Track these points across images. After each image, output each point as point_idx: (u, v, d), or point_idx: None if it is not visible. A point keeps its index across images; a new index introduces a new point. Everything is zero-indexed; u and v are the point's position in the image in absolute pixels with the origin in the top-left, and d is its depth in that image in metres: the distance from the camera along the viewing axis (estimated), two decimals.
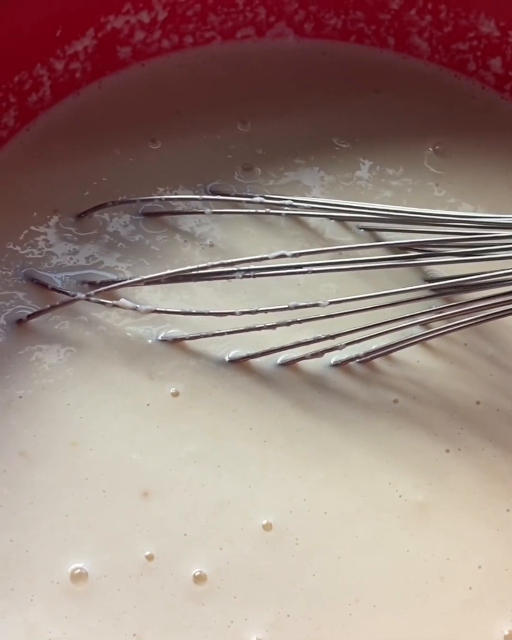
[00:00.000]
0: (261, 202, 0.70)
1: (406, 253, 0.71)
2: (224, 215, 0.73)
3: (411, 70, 0.82)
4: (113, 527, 0.65)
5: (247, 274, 0.67)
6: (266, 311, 0.67)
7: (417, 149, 0.79)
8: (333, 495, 0.67)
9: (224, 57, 0.80)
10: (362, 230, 0.75)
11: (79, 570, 0.64)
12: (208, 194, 0.75)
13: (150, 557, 0.64)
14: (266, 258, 0.66)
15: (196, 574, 0.64)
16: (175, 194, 0.75)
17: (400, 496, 0.67)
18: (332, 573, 0.65)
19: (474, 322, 0.67)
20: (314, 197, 0.76)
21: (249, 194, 0.74)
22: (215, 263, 0.66)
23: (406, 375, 0.71)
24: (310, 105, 0.79)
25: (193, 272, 0.67)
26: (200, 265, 0.66)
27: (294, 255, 0.66)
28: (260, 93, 0.79)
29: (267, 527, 0.66)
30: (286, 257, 0.66)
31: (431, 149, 0.79)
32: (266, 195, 0.72)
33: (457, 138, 0.79)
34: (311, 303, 0.67)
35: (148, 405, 0.68)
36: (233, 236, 0.74)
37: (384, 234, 0.74)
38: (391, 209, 0.70)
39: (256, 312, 0.67)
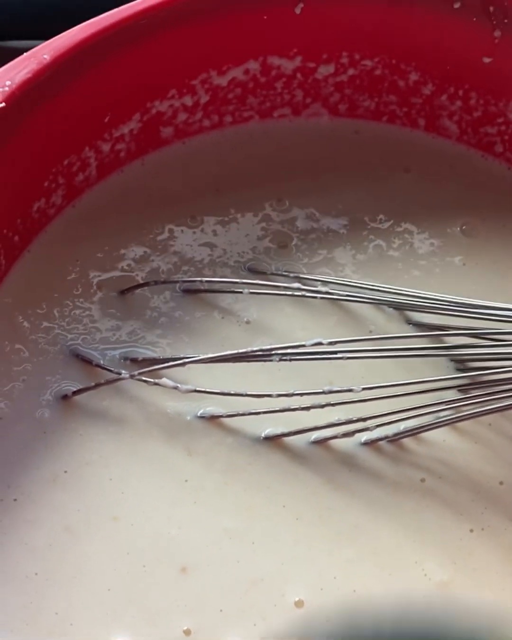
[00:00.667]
0: (298, 288, 0.74)
1: (439, 338, 0.74)
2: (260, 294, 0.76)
3: (440, 150, 0.85)
4: (153, 602, 0.67)
5: (284, 358, 0.70)
6: (301, 395, 0.70)
7: (445, 228, 0.82)
8: (362, 573, 0.70)
9: (260, 136, 0.83)
10: (391, 308, 0.78)
11: None
12: (245, 271, 0.78)
13: (187, 632, 0.67)
14: (303, 345, 0.69)
15: None
16: (214, 272, 0.78)
17: (425, 575, 0.70)
18: None
19: (503, 408, 0.70)
20: (346, 274, 0.79)
21: (284, 272, 0.77)
22: (255, 349, 0.69)
23: (432, 455, 0.74)
24: (343, 184, 0.82)
25: (233, 356, 0.70)
26: (240, 351, 0.70)
27: (330, 343, 0.69)
28: (295, 172, 0.82)
29: (299, 603, 0.69)
30: (322, 345, 0.69)
31: (458, 228, 0.82)
32: (302, 277, 0.76)
33: (484, 219, 0.82)
34: (345, 388, 0.70)
35: (186, 481, 0.71)
36: (269, 314, 0.77)
37: (412, 314, 0.77)
38: (422, 295, 0.73)
39: (292, 395, 0.70)
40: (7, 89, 0.65)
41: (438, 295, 0.73)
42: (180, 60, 0.75)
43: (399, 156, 0.84)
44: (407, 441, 0.74)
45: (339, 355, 0.70)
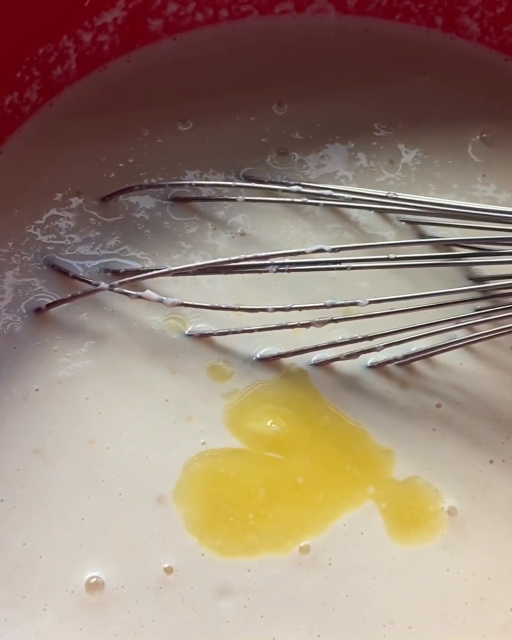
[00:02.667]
0: (298, 191, 0.66)
1: (451, 250, 0.66)
2: (257, 203, 0.69)
3: (459, 53, 0.77)
4: (130, 535, 0.62)
5: (282, 268, 0.63)
6: (300, 309, 0.63)
7: (463, 137, 0.74)
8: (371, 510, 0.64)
9: (260, 34, 0.76)
10: (403, 222, 0.70)
11: (94, 580, 0.60)
12: (241, 180, 0.71)
13: (169, 570, 0.61)
14: (303, 252, 0.62)
15: (220, 590, 0.61)
16: (206, 179, 0.70)
17: (442, 507, 0.64)
18: (366, 593, 0.62)
19: None
20: (353, 185, 0.71)
21: (284, 181, 0.70)
22: (249, 256, 0.62)
23: (448, 380, 0.67)
24: (350, 87, 0.74)
25: (224, 265, 0.63)
26: (233, 258, 0.63)
27: (334, 250, 0.62)
28: (298, 73, 0.74)
29: (304, 548, 0.62)
30: (325, 252, 0.62)
31: (478, 137, 0.74)
32: (303, 183, 0.68)
33: (506, 126, 0.74)
34: (349, 302, 0.63)
35: (167, 400, 0.65)
36: (266, 225, 0.70)
37: (426, 227, 0.70)
38: (435, 202, 0.66)
39: (290, 309, 0.64)
40: None
41: (454, 202, 0.65)
42: None
43: (413, 59, 0.76)
44: (418, 365, 0.67)
45: (343, 265, 0.62)
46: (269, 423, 0.64)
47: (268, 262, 0.63)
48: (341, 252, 0.62)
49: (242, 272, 0.64)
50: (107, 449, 0.63)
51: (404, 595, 0.62)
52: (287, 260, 0.62)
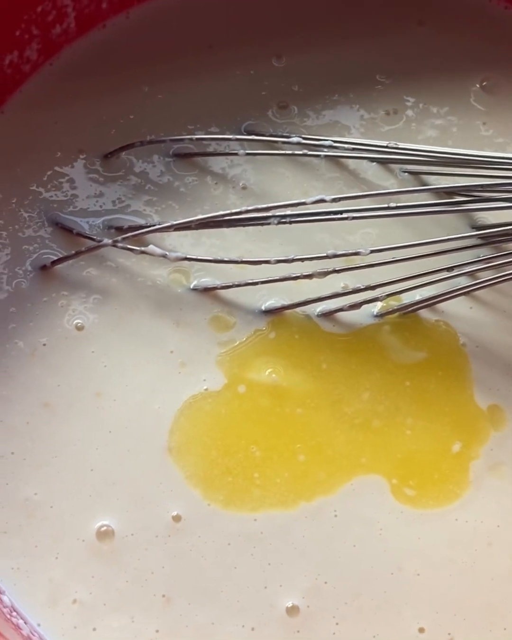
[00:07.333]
0: (299, 143, 0.66)
1: (452, 198, 0.66)
2: (258, 156, 0.69)
3: (458, 1, 0.76)
4: (139, 485, 0.62)
5: (283, 220, 0.63)
6: (302, 260, 0.64)
7: (463, 85, 0.74)
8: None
9: None
10: (405, 173, 0.70)
11: (105, 528, 0.61)
12: (242, 134, 0.71)
13: (177, 519, 0.62)
14: (304, 203, 0.62)
15: (227, 538, 0.62)
16: (207, 134, 0.70)
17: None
18: (373, 543, 0.63)
19: None
20: (353, 137, 0.71)
21: (285, 134, 0.70)
22: (249, 208, 0.63)
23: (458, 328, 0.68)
24: (349, 38, 0.74)
25: (226, 218, 0.63)
26: (234, 211, 0.63)
27: (334, 200, 0.62)
28: (296, 26, 0.74)
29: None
30: (325, 202, 0.62)
31: (478, 85, 0.74)
32: (304, 136, 0.68)
33: (506, 74, 0.74)
34: (351, 251, 0.63)
35: (171, 352, 0.65)
36: (267, 178, 0.70)
37: (428, 178, 0.70)
38: (436, 150, 0.66)
39: (292, 260, 0.64)
40: None
41: (454, 149, 0.65)
42: None
43: (413, 8, 0.75)
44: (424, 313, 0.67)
45: (344, 215, 0.63)
46: (268, 372, 0.65)
47: (269, 214, 0.63)
48: (342, 203, 0.62)
49: (244, 225, 0.64)
50: (114, 401, 0.64)
51: (412, 544, 0.63)
52: (288, 211, 0.63)
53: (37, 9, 0.67)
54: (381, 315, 0.67)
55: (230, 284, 0.66)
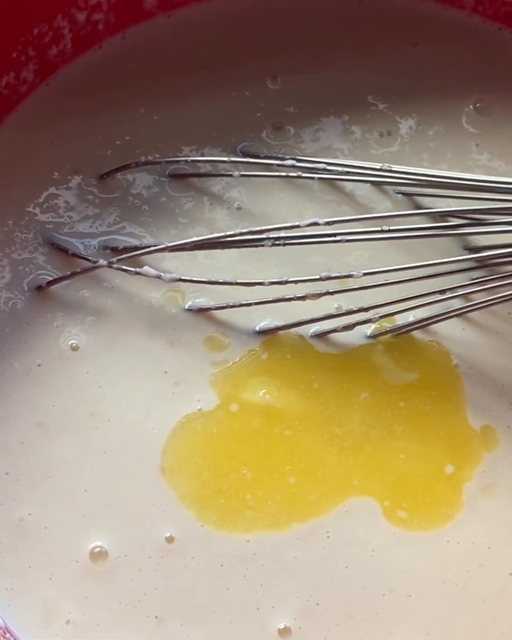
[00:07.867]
0: (293, 165, 0.67)
1: (446, 221, 0.67)
2: (253, 178, 0.70)
3: (452, 22, 0.76)
4: (131, 506, 0.63)
5: (277, 242, 0.64)
6: (296, 282, 0.64)
7: (457, 106, 0.74)
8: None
9: (253, 8, 0.75)
10: (399, 194, 0.71)
11: (98, 549, 0.62)
12: (237, 155, 0.71)
13: (170, 540, 0.62)
14: (298, 226, 0.63)
15: (220, 559, 0.62)
16: (203, 155, 0.71)
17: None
18: (365, 564, 0.63)
19: None
20: (348, 159, 0.72)
21: (280, 155, 0.71)
22: (244, 231, 0.63)
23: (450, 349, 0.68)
24: (344, 60, 0.74)
25: (220, 240, 0.64)
26: (229, 233, 0.63)
27: (327, 223, 0.63)
28: (291, 47, 0.74)
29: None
30: (319, 225, 0.63)
31: (471, 106, 0.74)
32: (298, 158, 0.69)
33: (499, 95, 0.74)
34: (344, 274, 0.64)
35: (165, 372, 0.66)
36: (263, 199, 0.70)
37: (423, 199, 0.70)
38: (430, 173, 0.67)
39: (286, 282, 0.64)
40: None
41: (448, 173, 0.66)
42: None
43: (407, 29, 0.76)
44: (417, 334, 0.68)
45: (338, 238, 0.63)
46: (262, 393, 0.65)
47: (264, 236, 0.64)
48: (336, 225, 0.63)
49: (238, 247, 0.65)
50: (108, 421, 0.64)
51: (404, 566, 0.63)
52: (282, 234, 0.63)
53: (34, 30, 0.68)
54: (374, 336, 0.67)
55: (225, 304, 0.66)
